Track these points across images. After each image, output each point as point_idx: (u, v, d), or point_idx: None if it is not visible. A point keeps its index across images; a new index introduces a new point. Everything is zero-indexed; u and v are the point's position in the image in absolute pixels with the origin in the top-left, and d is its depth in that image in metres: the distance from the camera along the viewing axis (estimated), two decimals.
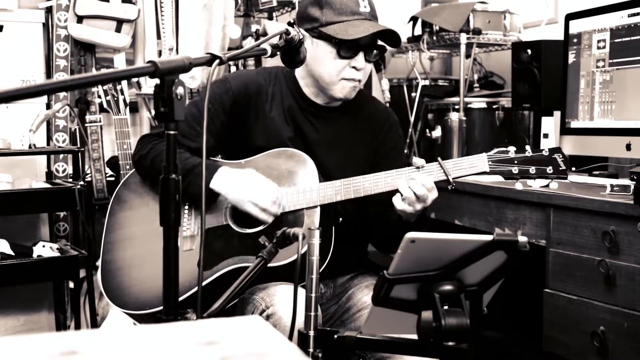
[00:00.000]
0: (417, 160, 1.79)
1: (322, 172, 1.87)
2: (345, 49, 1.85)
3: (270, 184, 1.83)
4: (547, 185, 2.21)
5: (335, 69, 1.87)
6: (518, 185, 2.52)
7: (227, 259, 1.84)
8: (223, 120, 1.94)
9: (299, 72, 1.99)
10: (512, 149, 1.81)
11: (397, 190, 1.76)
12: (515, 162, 1.79)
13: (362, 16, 1.85)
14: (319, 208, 1.82)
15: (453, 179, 1.78)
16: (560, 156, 1.80)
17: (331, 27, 1.83)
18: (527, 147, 1.82)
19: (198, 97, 2.06)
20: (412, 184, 1.74)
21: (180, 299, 1.65)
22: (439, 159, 1.80)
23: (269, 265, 1.70)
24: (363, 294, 1.90)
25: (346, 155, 1.96)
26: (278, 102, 1.97)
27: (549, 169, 1.79)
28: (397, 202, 1.75)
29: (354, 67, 1.87)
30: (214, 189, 1.82)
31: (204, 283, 1.81)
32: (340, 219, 1.91)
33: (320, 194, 1.81)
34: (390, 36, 1.89)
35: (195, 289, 1.81)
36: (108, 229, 2.01)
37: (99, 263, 2.45)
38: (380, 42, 1.91)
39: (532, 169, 1.79)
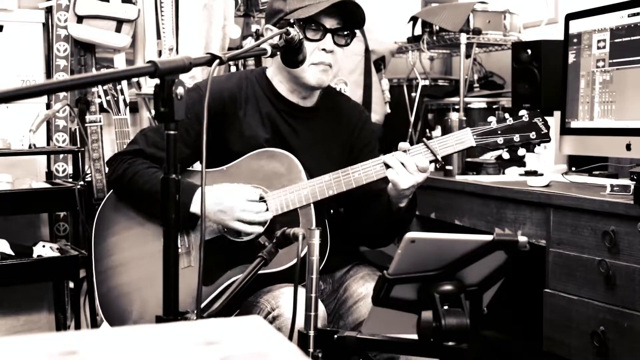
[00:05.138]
0: (402, 145, 1.79)
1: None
2: (312, 31, 1.85)
3: (249, 193, 1.81)
4: (548, 185, 2.22)
5: None
6: (510, 170, 2.54)
7: (229, 271, 1.82)
8: (198, 130, 1.87)
9: (271, 71, 1.98)
10: (493, 119, 1.83)
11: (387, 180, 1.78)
12: (499, 132, 1.81)
13: (328, 1, 1.84)
14: (312, 206, 1.81)
15: (442, 157, 1.79)
16: (540, 120, 1.83)
17: (295, 13, 1.83)
18: (507, 116, 1.83)
19: None
20: (398, 154, 1.75)
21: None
22: (424, 139, 1.80)
23: (271, 270, 1.69)
24: (358, 285, 1.90)
25: (324, 154, 1.95)
26: (253, 105, 1.95)
27: (532, 135, 1.82)
28: (389, 174, 1.75)
29: (323, 50, 1.86)
30: (195, 213, 1.80)
31: (209, 298, 1.80)
32: (332, 211, 1.92)
33: (311, 190, 1.81)
34: (356, 15, 1.88)
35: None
36: (97, 258, 1.93)
37: None
38: (347, 27, 1.89)
39: (516, 137, 1.82)
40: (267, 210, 1.82)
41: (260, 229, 1.81)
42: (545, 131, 1.82)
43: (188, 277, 1.78)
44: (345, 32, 1.90)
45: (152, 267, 1.85)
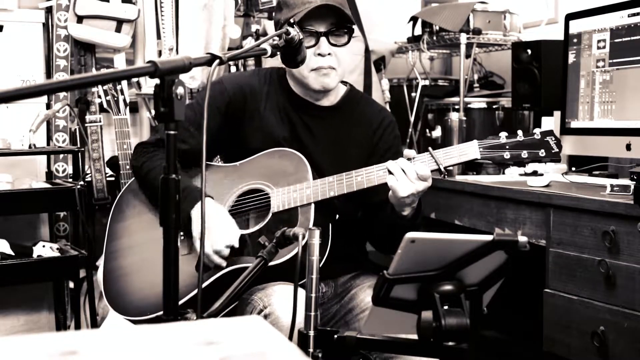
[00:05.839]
0: (407, 152, 1.78)
1: (317, 172, 1.87)
2: (305, 38, 1.81)
3: (233, 230, 1.83)
4: (548, 185, 2.22)
5: None
6: (510, 170, 2.52)
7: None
8: (218, 122, 1.94)
9: (288, 73, 2.00)
10: (503, 134, 1.79)
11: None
12: (507, 147, 1.78)
13: (313, 3, 1.84)
14: (313, 205, 1.81)
15: (445, 167, 1.77)
16: (553, 138, 1.78)
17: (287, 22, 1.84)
18: (519, 132, 1.80)
19: (193, 99, 2.07)
20: (401, 161, 1.74)
21: (180, 302, 1.66)
22: (429, 149, 1.79)
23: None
24: (366, 295, 1.89)
25: (341, 155, 1.95)
26: (272, 102, 1.98)
27: (541, 152, 1.78)
28: (389, 180, 1.74)
29: (319, 55, 1.87)
30: (192, 217, 1.84)
31: (201, 288, 1.81)
32: (337, 216, 1.91)
33: (314, 190, 1.81)
34: (344, 14, 1.87)
35: (194, 292, 1.81)
36: (110, 237, 2.02)
37: (98, 263, 2.45)
38: (345, 25, 1.89)
39: (524, 153, 1.78)
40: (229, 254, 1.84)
41: (223, 263, 1.83)
42: (556, 150, 1.78)
43: (186, 264, 1.82)
44: (344, 31, 1.89)
45: (153, 253, 1.88)
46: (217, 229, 1.82)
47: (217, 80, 2.02)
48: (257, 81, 2.00)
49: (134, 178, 2.07)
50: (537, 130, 1.80)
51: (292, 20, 1.72)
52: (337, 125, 1.99)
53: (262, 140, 1.94)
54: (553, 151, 1.78)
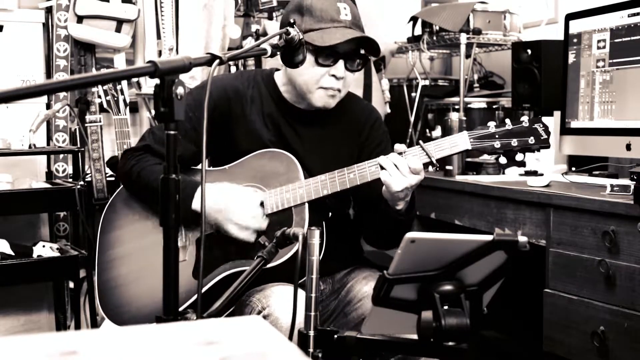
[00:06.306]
0: (398, 147, 1.77)
1: (306, 174, 1.86)
2: (324, 56, 1.83)
3: (249, 197, 1.82)
4: (548, 185, 2.22)
5: (312, 77, 1.85)
6: (510, 170, 2.52)
7: (221, 265, 1.84)
8: (206, 128, 1.91)
9: (279, 78, 1.98)
10: (492, 124, 1.80)
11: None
12: (497, 136, 1.78)
13: (342, 24, 1.82)
14: (307, 205, 1.81)
15: (437, 159, 1.77)
16: (541, 125, 1.78)
17: (309, 35, 1.79)
18: (507, 121, 1.80)
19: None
20: (392, 156, 1.74)
21: (179, 309, 1.66)
22: (420, 141, 1.79)
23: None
24: (362, 285, 1.90)
25: (329, 156, 1.95)
26: (257, 105, 1.96)
27: (531, 140, 1.78)
28: (382, 175, 1.74)
29: (333, 76, 1.85)
30: (196, 210, 1.81)
31: (201, 291, 1.81)
32: (330, 214, 1.91)
33: (307, 190, 1.81)
34: (371, 45, 1.86)
35: (193, 297, 1.81)
36: (101, 249, 1.99)
37: None
38: (362, 52, 1.87)
39: (514, 142, 1.78)
40: (265, 216, 1.82)
41: (253, 236, 1.81)
42: (545, 137, 1.78)
43: (182, 271, 1.79)
44: (359, 59, 1.88)
45: (150, 260, 1.88)
46: (233, 201, 1.80)
47: (200, 85, 2.01)
48: (240, 84, 1.97)
49: (119, 189, 2.03)
50: (524, 118, 1.80)
51: (313, 41, 1.69)
52: (324, 125, 1.98)
53: (249, 143, 1.92)
54: (542, 138, 1.78)
